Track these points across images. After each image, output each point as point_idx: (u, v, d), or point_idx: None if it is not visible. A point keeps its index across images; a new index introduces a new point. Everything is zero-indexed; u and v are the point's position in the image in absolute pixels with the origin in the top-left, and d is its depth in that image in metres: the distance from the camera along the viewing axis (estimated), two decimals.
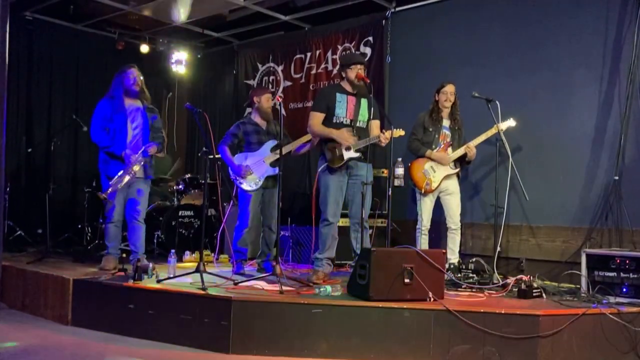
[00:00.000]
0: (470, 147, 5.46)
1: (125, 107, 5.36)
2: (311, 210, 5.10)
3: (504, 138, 5.36)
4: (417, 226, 5.55)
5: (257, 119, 5.69)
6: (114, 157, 5.27)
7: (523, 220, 5.83)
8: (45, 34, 7.98)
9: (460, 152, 5.49)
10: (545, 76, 5.81)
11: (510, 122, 5.43)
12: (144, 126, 5.40)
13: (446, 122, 5.58)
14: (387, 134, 4.74)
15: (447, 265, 5.08)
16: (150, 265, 4.84)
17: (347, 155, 4.87)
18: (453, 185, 5.57)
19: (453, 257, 5.46)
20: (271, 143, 5.58)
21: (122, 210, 5.38)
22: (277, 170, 5.50)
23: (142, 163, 5.30)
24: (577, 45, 5.64)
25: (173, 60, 8.81)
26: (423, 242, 5.50)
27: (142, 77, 5.45)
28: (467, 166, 5.75)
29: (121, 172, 5.19)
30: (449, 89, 5.52)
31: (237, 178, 5.49)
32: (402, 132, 5.01)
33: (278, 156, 5.47)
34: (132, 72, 5.40)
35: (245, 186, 5.47)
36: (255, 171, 5.48)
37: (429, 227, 5.54)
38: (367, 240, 5.06)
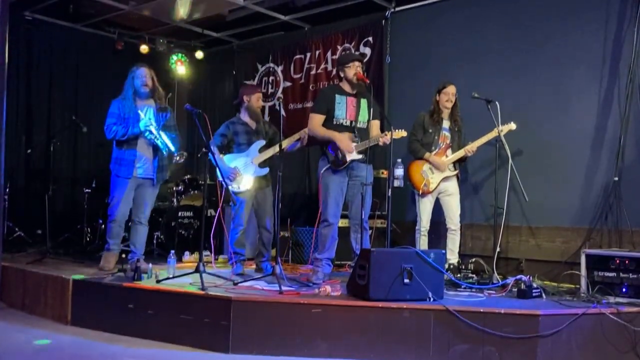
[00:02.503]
0: (469, 150, 5.44)
1: (136, 108, 5.27)
2: (310, 210, 5.11)
3: (503, 139, 5.36)
4: (417, 227, 5.54)
5: (246, 118, 5.62)
6: (130, 144, 5.18)
7: (523, 220, 5.83)
8: (44, 34, 7.97)
9: (459, 154, 5.49)
10: (545, 76, 5.82)
11: (511, 126, 5.41)
12: (156, 127, 5.29)
13: (446, 124, 5.58)
14: (388, 135, 4.73)
15: (446, 266, 5.08)
16: (150, 266, 4.86)
17: (350, 157, 4.86)
18: (452, 186, 5.57)
19: (453, 257, 5.47)
20: (259, 143, 5.52)
21: (127, 211, 5.33)
22: (266, 170, 5.50)
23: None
24: (577, 44, 5.65)
25: (172, 61, 8.82)
26: (422, 243, 5.49)
27: (153, 76, 5.36)
28: (463, 164, 5.73)
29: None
30: (451, 89, 5.51)
31: (226, 180, 5.38)
32: (403, 133, 4.96)
33: (266, 157, 5.47)
34: (142, 72, 5.29)
35: (235, 188, 5.43)
36: (244, 173, 5.43)
37: (428, 228, 5.53)
38: (367, 240, 5.06)
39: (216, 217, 5.87)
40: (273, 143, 5.51)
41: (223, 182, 5.16)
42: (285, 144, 5.39)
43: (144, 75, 5.29)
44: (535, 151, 5.79)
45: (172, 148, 5.34)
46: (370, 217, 5.47)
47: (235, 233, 5.51)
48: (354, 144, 4.85)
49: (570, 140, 5.64)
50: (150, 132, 5.20)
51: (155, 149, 5.32)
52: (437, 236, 5.76)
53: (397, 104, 6.97)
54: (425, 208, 5.52)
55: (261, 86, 8.36)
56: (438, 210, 5.63)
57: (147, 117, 5.24)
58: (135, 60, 8.33)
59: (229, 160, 5.48)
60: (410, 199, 5.73)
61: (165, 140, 5.28)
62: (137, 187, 5.32)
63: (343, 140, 4.83)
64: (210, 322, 4.06)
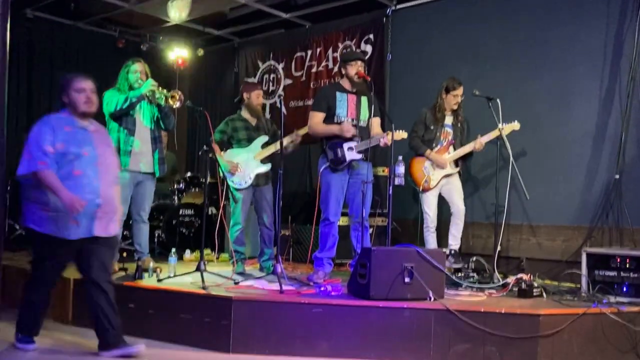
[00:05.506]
0: (482, 143, 5.39)
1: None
2: (311, 208, 5.10)
3: (505, 137, 5.34)
4: (425, 224, 5.51)
5: (246, 114, 5.60)
6: (129, 133, 5.04)
7: (524, 219, 5.82)
8: (45, 32, 7.97)
9: (467, 148, 5.46)
10: (546, 74, 5.80)
11: (515, 125, 5.36)
12: (150, 119, 5.24)
13: (449, 120, 5.56)
14: (389, 136, 4.73)
15: (447, 251, 5.05)
16: (151, 265, 4.85)
17: (350, 156, 4.86)
18: (454, 181, 5.55)
19: (454, 243, 5.44)
20: (262, 139, 5.51)
21: (127, 209, 5.18)
22: (268, 167, 5.48)
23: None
24: (578, 43, 5.63)
25: (173, 59, 8.81)
26: (432, 241, 5.48)
27: (147, 72, 5.27)
28: (469, 162, 5.69)
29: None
30: (460, 91, 5.48)
31: (227, 175, 5.37)
32: (404, 135, 4.97)
33: (269, 153, 5.45)
34: (136, 67, 5.21)
35: (235, 184, 5.42)
36: (244, 168, 5.41)
37: (436, 224, 5.52)
38: (368, 239, 5.05)
39: (219, 216, 5.86)
40: (274, 140, 5.50)
41: (225, 179, 5.18)
42: (287, 141, 5.36)
43: (138, 70, 5.21)
44: (536, 149, 5.77)
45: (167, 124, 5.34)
46: (371, 215, 5.46)
47: (235, 231, 5.48)
48: (355, 143, 4.85)
49: (572, 138, 5.62)
50: (153, 92, 5.07)
51: (155, 141, 5.24)
52: (440, 232, 5.73)
53: (398, 101, 6.95)
54: (431, 203, 5.50)
55: (262, 84, 8.36)
56: (441, 207, 5.62)
57: (148, 82, 5.10)
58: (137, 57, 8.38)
59: (231, 156, 5.46)
60: (413, 197, 5.70)
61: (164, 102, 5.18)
62: (137, 183, 5.19)
63: (342, 126, 4.82)
64: (210, 321, 4.06)
